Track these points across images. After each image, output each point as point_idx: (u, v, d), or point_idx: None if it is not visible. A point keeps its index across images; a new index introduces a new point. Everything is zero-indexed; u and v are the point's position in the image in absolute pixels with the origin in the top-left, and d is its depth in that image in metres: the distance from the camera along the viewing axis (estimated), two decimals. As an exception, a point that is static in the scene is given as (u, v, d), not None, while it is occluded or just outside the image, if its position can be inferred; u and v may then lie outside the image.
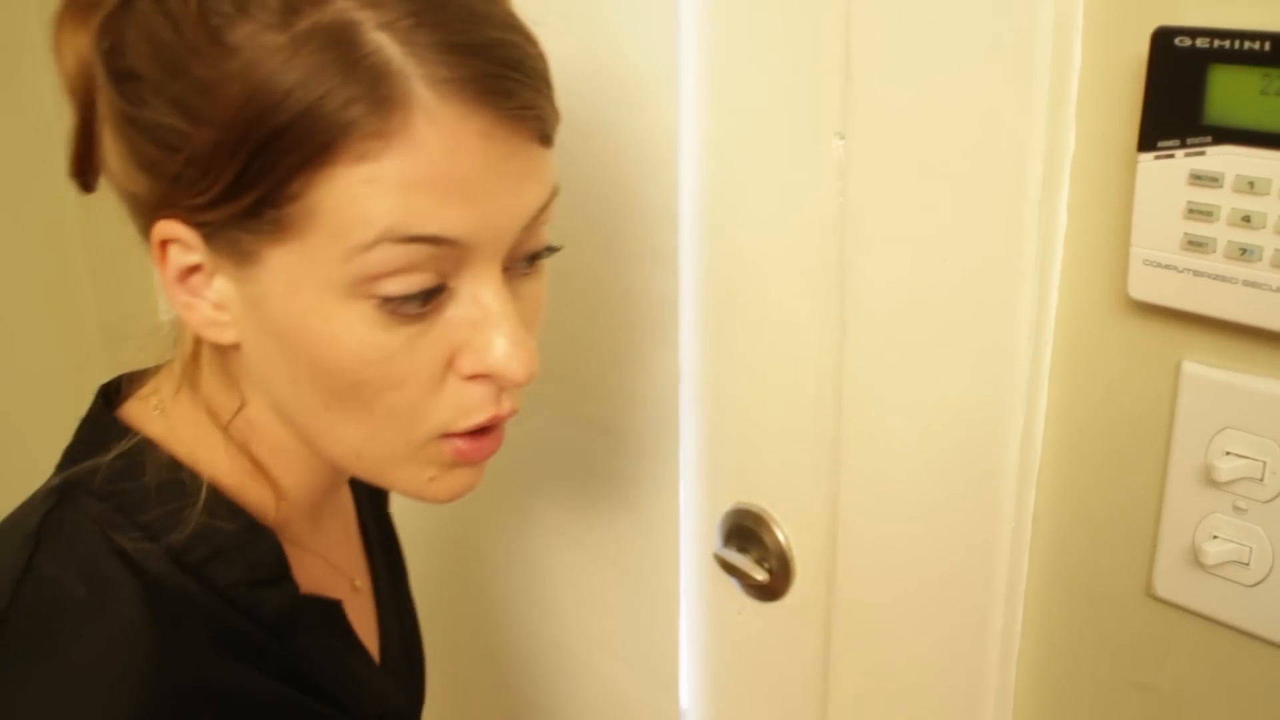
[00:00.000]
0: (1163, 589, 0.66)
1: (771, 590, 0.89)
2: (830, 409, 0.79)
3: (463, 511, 1.18)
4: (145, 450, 0.63)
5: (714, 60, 0.79)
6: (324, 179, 0.54)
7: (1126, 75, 0.61)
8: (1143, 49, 0.59)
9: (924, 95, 0.68)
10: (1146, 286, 0.62)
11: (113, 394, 0.68)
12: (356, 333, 0.57)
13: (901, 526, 0.77)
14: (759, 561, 0.88)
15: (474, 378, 0.60)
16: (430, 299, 0.57)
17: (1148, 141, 0.59)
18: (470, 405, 0.60)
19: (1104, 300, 0.66)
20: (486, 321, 0.58)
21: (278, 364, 0.60)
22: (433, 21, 0.54)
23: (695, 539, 0.95)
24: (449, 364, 0.59)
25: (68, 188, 0.63)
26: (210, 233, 0.57)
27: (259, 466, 0.66)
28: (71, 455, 0.65)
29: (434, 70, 0.53)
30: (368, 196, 0.54)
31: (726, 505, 0.90)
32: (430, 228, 0.55)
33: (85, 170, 0.62)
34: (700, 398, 0.90)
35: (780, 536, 0.87)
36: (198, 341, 0.63)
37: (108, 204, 0.62)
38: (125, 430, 0.64)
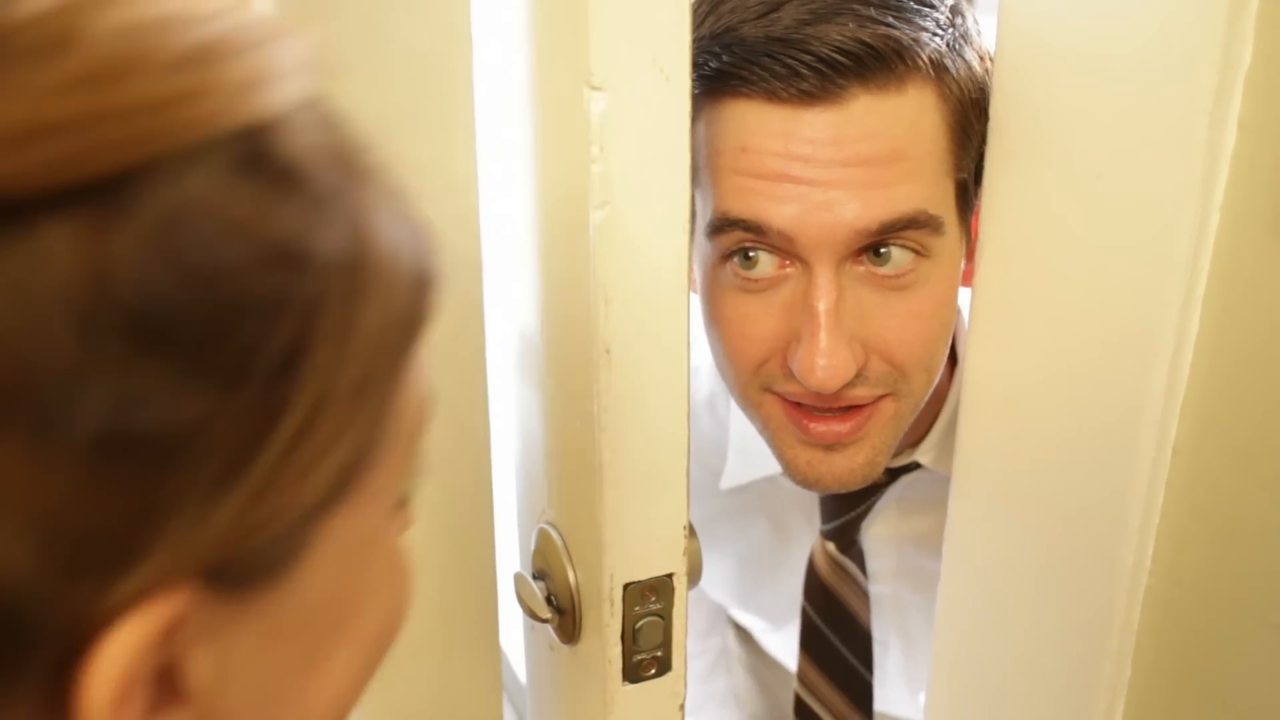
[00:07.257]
0: (1313, 530, 0.63)
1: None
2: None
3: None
4: None
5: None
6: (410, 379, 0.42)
7: (1319, -19, 0.56)
8: (1344, -50, 0.54)
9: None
10: (1326, 211, 0.57)
11: None
12: (404, 559, 0.46)
13: (1030, 452, 0.74)
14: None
15: None
16: None
17: (1342, 53, 0.55)
18: None
19: (1270, 226, 0.61)
20: None
21: (289, 696, 0.42)
22: None
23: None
24: None
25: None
26: (230, 564, 0.36)
27: None
28: None
29: None
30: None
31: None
32: None
33: None
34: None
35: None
36: None
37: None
38: None
